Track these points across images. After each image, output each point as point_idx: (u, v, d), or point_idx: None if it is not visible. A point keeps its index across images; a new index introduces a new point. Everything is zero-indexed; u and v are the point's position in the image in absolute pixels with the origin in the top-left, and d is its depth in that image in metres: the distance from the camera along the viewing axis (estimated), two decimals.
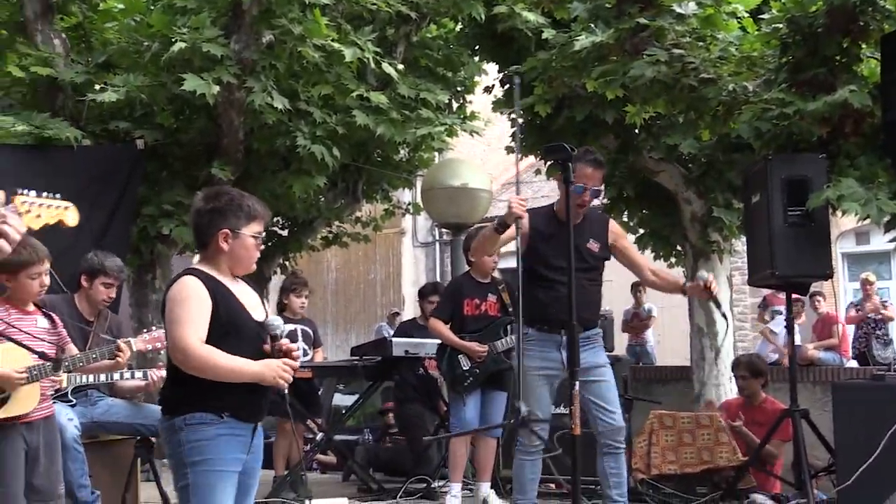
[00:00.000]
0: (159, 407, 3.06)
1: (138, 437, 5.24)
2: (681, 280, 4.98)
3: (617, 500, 4.59)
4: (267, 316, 3.14)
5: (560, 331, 4.47)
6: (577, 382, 3.43)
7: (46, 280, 4.09)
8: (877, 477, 4.66)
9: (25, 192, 2.51)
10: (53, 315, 4.22)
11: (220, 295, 2.96)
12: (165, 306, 2.96)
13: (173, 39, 6.41)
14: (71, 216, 2.68)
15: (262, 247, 3.15)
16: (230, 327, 2.95)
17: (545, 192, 17.99)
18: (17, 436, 3.91)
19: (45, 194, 2.57)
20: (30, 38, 7.24)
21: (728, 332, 7.69)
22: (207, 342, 2.89)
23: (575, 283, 4.26)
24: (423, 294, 7.11)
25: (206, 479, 2.88)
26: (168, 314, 2.93)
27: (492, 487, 5.87)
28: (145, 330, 4.80)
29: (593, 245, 4.78)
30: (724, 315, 4.90)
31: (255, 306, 3.11)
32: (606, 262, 4.95)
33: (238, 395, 2.92)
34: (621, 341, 10.63)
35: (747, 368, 6.36)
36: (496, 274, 6.10)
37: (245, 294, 3.09)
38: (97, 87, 6.90)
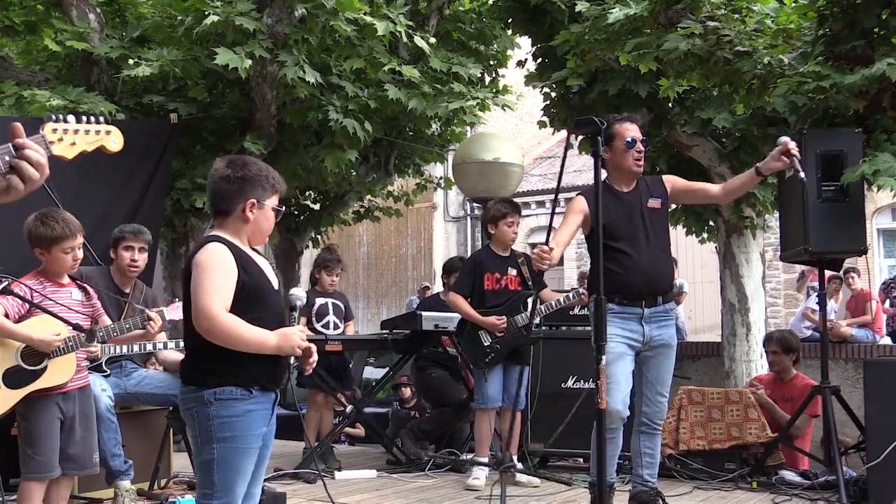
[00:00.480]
0: None
1: (171, 408, 5.29)
2: (751, 171, 4.51)
3: (648, 481, 4.52)
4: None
5: (641, 303, 4.38)
6: (603, 357, 3.39)
7: (80, 254, 4.12)
8: None
9: (59, 117, 2.22)
10: (87, 287, 4.27)
11: (245, 263, 2.94)
12: (191, 272, 2.92)
13: (206, 13, 6.43)
14: (114, 141, 2.35)
15: (278, 219, 3.16)
16: (255, 296, 2.94)
17: (577, 166, 17.90)
18: (53, 406, 3.98)
19: (84, 118, 2.27)
20: (65, 12, 7.29)
21: (760, 307, 7.64)
22: (232, 311, 2.87)
23: (647, 252, 4.36)
24: (447, 270, 7.09)
25: (233, 457, 2.88)
26: (194, 281, 2.89)
27: (519, 461, 5.87)
28: (177, 299, 4.84)
29: (654, 203, 4.57)
30: (802, 178, 4.41)
31: (273, 275, 3.12)
32: None
33: (264, 365, 2.92)
34: None
35: (779, 344, 6.30)
36: (516, 247, 6.07)
37: (263, 262, 3.09)
38: (131, 61, 6.94)
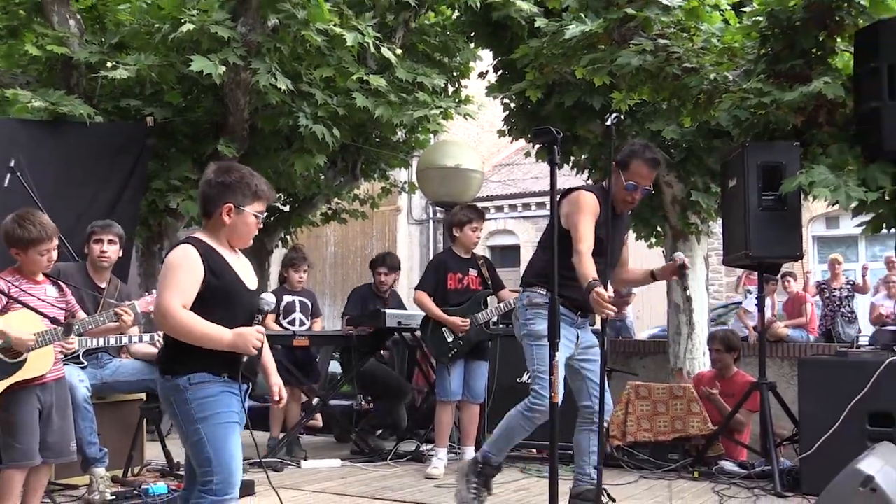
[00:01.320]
0: None
1: (144, 399, 5.25)
2: (648, 273, 4.70)
3: (593, 477, 4.35)
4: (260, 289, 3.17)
5: (579, 313, 4.34)
6: (556, 353, 3.42)
7: (54, 255, 4.10)
8: (837, 446, 4.71)
9: None
10: (61, 283, 4.24)
11: (214, 263, 2.97)
12: (162, 272, 3.00)
13: (182, 21, 6.38)
14: None
15: (262, 225, 3.16)
16: (223, 297, 2.97)
17: (534, 173, 18.00)
18: (33, 396, 3.95)
19: None
20: (46, 18, 7.19)
21: (703, 308, 7.74)
22: (201, 308, 2.91)
23: (607, 276, 4.17)
24: (373, 265, 7.10)
25: (218, 432, 2.90)
26: (160, 279, 2.97)
27: (476, 451, 5.90)
28: (147, 292, 4.83)
29: (625, 239, 4.65)
30: (685, 289, 4.82)
31: (250, 276, 3.13)
32: None
33: (233, 357, 2.94)
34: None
35: (722, 343, 6.40)
36: (477, 250, 6.14)
37: (241, 264, 3.11)
38: (110, 65, 6.87)
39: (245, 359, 2.99)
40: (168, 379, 2.97)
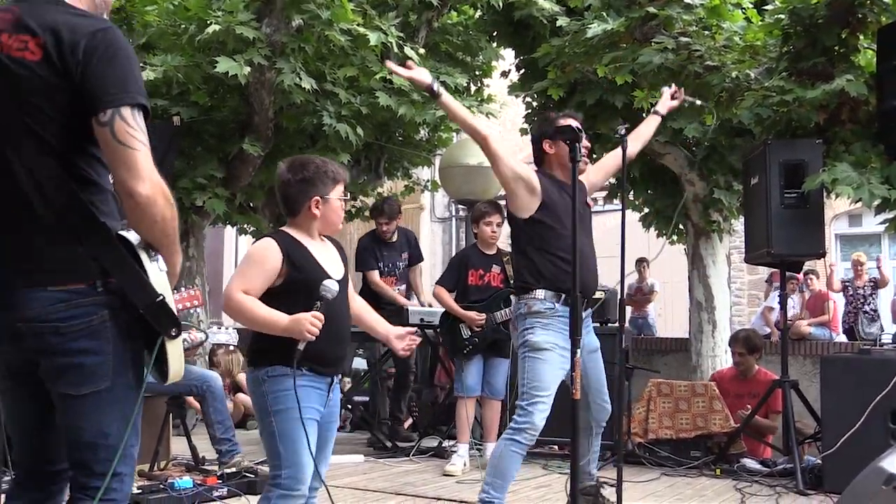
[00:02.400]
0: (198, 367, 3.03)
1: (171, 396, 5.29)
2: (652, 115, 4.58)
3: (593, 475, 4.28)
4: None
5: (583, 305, 3.86)
6: (578, 350, 3.37)
7: None
8: (859, 444, 4.67)
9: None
10: None
11: (297, 257, 3.00)
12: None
13: (209, 22, 6.41)
14: None
15: (346, 207, 3.17)
16: (304, 287, 2.95)
17: None
18: None
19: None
20: None
21: (725, 305, 7.69)
22: (286, 301, 2.93)
23: (587, 250, 3.97)
24: (373, 214, 7.17)
25: (292, 427, 2.89)
26: (239, 263, 3.06)
27: None
28: (175, 290, 4.84)
29: (589, 200, 4.35)
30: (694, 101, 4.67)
31: (337, 266, 3.11)
32: (609, 240, 4.70)
33: (315, 349, 2.91)
34: (626, 314, 10.65)
35: (744, 345, 6.32)
36: (501, 245, 6.14)
37: (328, 254, 3.11)
38: None
39: (335, 349, 3.00)
40: (251, 370, 3.01)
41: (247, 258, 3.03)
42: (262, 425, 2.97)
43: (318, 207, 3.05)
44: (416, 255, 7.05)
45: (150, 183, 2.10)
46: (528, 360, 3.91)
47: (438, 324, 6.13)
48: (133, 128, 2.10)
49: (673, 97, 4.61)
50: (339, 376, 3.11)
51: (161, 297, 2.12)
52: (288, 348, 2.89)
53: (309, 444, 2.91)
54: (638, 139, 4.51)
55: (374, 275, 6.80)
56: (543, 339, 3.86)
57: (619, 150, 4.28)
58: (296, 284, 2.97)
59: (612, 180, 8.35)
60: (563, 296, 3.90)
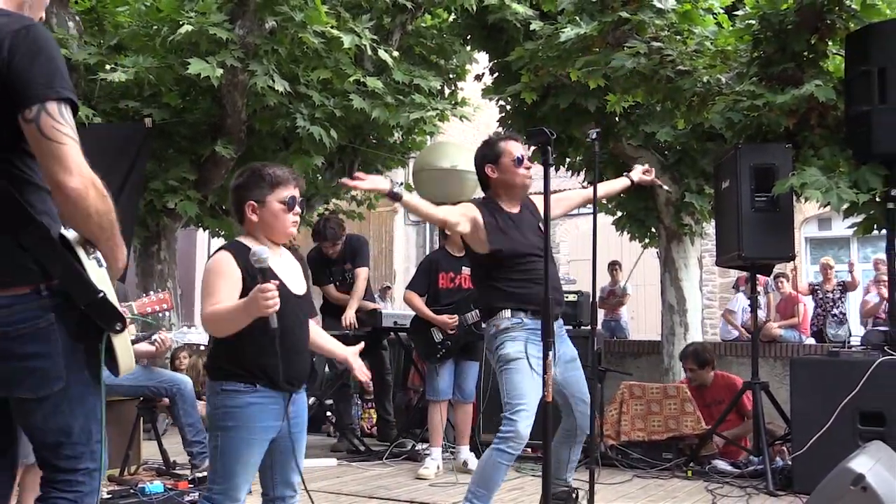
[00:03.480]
0: (168, 370, 2.97)
1: (141, 398, 5.24)
2: (624, 178, 4.65)
3: (568, 481, 4.25)
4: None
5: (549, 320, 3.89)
6: (550, 352, 3.35)
7: None
8: (829, 445, 4.71)
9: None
10: None
11: (251, 265, 2.84)
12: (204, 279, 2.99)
13: (181, 23, 6.37)
14: None
15: (298, 210, 3.01)
16: None
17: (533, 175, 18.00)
18: None
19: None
20: (45, 20, 7.16)
21: (697, 308, 7.74)
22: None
23: (551, 270, 3.78)
24: (315, 238, 6.82)
25: (234, 446, 2.84)
26: (202, 287, 2.93)
27: (471, 451, 5.90)
28: (144, 294, 4.82)
29: (541, 227, 4.18)
30: (668, 191, 4.70)
31: (295, 278, 3.03)
32: (582, 244, 4.76)
33: (271, 363, 2.85)
34: (598, 317, 10.69)
35: (694, 361, 6.30)
36: None
37: (284, 265, 3.01)
38: (108, 67, 6.85)
39: (292, 363, 2.91)
40: (209, 380, 2.97)
41: (207, 277, 2.90)
42: (210, 436, 2.93)
43: (254, 213, 2.95)
44: (358, 261, 6.85)
45: (79, 177, 2.07)
46: (504, 372, 3.92)
47: (410, 328, 6.12)
48: (60, 122, 2.07)
49: (644, 173, 4.67)
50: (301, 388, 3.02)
51: (102, 294, 2.11)
52: (243, 362, 2.84)
53: (265, 461, 2.89)
54: (602, 189, 4.59)
55: (330, 288, 6.77)
56: (513, 350, 3.87)
57: (583, 191, 4.47)
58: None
59: (585, 183, 8.39)
60: (529, 311, 3.91)
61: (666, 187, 4.86)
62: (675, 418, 5.88)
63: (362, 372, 3.29)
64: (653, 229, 8.15)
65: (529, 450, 6.33)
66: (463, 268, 5.94)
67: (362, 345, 3.30)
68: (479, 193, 4.31)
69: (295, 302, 2.97)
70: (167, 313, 6.95)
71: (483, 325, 4.20)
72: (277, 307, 2.68)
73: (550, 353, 3.45)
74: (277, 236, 3.01)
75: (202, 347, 8.43)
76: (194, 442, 5.20)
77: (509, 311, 3.94)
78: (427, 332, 5.83)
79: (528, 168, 4.12)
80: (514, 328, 3.92)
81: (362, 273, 6.68)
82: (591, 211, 4.21)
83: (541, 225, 4.06)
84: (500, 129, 8.34)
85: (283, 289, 2.92)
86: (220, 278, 2.87)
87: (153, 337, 4.97)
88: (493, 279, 3.99)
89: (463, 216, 3.96)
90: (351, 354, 3.25)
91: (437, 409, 5.86)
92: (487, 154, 4.11)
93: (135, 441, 5.32)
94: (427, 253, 16.96)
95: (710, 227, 8.00)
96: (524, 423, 3.78)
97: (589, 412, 4.14)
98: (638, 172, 4.66)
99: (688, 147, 7.23)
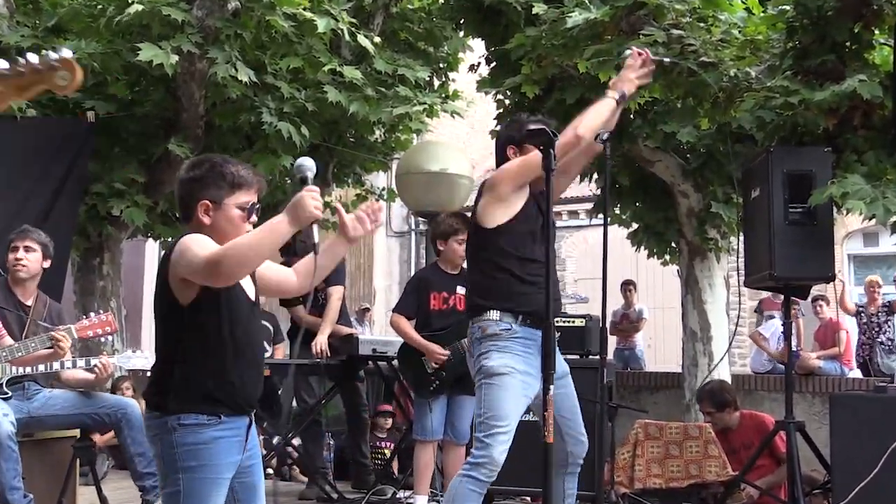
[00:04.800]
0: (110, 394, 2.94)
1: (78, 437, 5.21)
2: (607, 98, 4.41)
3: None
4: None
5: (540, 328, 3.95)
6: (551, 387, 3.34)
7: None
8: (875, 495, 4.71)
9: None
10: None
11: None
12: (169, 270, 2.85)
13: (130, 2, 6.38)
14: (62, 77, 1.98)
15: (255, 218, 3.02)
16: (217, 301, 2.87)
17: None
18: None
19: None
20: None
21: (723, 335, 7.75)
22: (194, 318, 2.84)
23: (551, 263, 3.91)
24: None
25: (200, 487, 2.83)
26: (180, 260, 2.81)
27: None
28: (84, 316, 4.81)
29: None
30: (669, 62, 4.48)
31: (247, 284, 3.04)
32: (592, 259, 4.76)
33: (230, 386, 2.87)
34: (610, 344, 10.69)
35: (711, 403, 6.31)
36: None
37: None
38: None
39: (253, 380, 2.93)
40: (156, 415, 2.89)
41: (190, 244, 2.80)
42: (166, 481, 2.88)
43: (207, 214, 2.93)
44: (331, 278, 6.83)
45: None
46: (485, 386, 3.97)
47: (398, 357, 6.10)
48: None
49: (643, 63, 4.40)
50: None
51: None
52: (202, 388, 2.83)
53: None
54: (587, 122, 4.34)
55: (299, 310, 6.74)
56: (500, 363, 3.91)
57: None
58: (212, 304, 2.86)
59: (597, 191, 8.43)
60: (521, 316, 3.98)
61: (667, 59, 4.63)
62: (697, 463, 5.88)
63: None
64: (673, 244, 8.18)
65: (528, 498, 6.34)
66: (458, 287, 5.92)
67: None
68: (472, 201, 4.35)
69: (251, 308, 2.99)
70: (110, 337, 6.94)
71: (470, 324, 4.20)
72: (321, 214, 2.79)
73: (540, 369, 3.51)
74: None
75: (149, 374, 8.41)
76: (146, 474, 5.14)
77: (498, 312, 4.00)
78: (418, 360, 5.82)
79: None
80: (502, 336, 3.97)
81: (336, 292, 6.67)
82: (602, 223, 4.23)
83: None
84: (498, 128, 8.38)
85: (241, 292, 2.95)
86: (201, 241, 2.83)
87: (92, 363, 4.95)
88: (489, 266, 4.05)
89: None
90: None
91: (427, 450, 5.84)
92: (514, 136, 4.19)
93: (69, 486, 5.29)
94: (412, 269, 16.98)
95: (738, 242, 8.03)
96: (500, 447, 3.85)
97: (583, 437, 4.18)
98: (623, 76, 4.44)
99: (713, 150, 7.26)
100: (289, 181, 9.04)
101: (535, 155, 3.83)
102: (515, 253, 4.04)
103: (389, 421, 8.21)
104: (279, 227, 2.76)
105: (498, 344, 3.97)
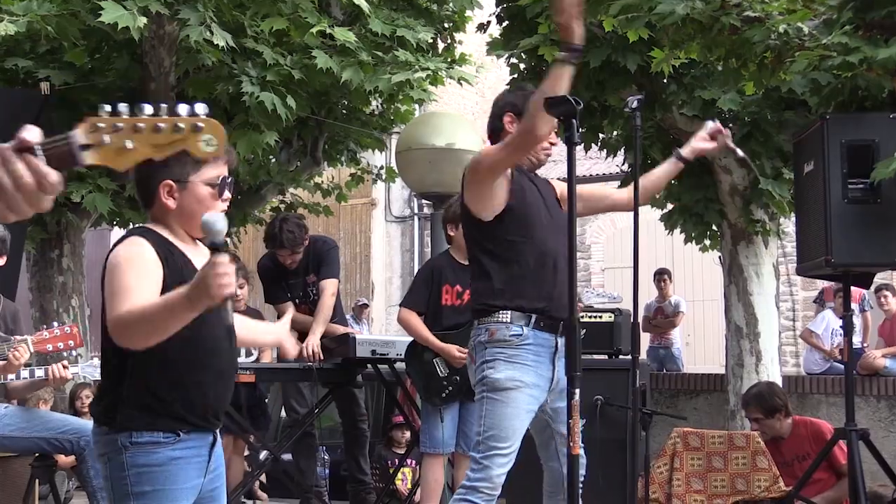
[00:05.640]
0: (72, 417, 2.93)
1: (36, 455, 5.22)
2: (672, 159, 4.60)
3: None
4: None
5: (558, 329, 4.02)
6: (576, 391, 3.33)
7: None
8: None
9: (113, 108, 1.90)
10: None
11: (173, 263, 2.86)
12: (104, 278, 2.82)
13: None
14: (206, 141, 1.92)
15: (228, 195, 3.00)
16: None
17: (552, 155, 18.04)
18: None
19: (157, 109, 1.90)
20: None
21: (773, 331, 7.73)
22: None
23: (562, 263, 4.00)
24: (269, 245, 6.84)
25: None
26: (107, 286, 2.79)
27: None
28: (45, 327, 4.80)
29: (556, 208, 4.36)
30: (742, 156, 4.61)
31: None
32: (616, 246, 4.82)
33: (194, 398, 2.86)
34: (643, 342, 10.69)
35: (759, 407, 6.28)
36: None
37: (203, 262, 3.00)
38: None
39: (220, 391, 2.93)
40: (104, 431, 2.86)
41: (116, 271, 2.77)
42: None
43: (171, 196, 2.90)
44: (324, 271, 6.84)
45: None
46: (488, 401, 4.00)
47: (405, 358, 6.10)
48: None
49: (713, 137, 4.50)
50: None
51: None
52: (160, 401, 2.81)
53: None
54: (645, 184, 4.57)
55: (288, 307, 6.74)
56: (508, 377, 3.95)
57: (610, 191, 4.56)
58: None
59: (625, 167, 8.41)
60: (534, 318, 4.01)
61: (740, 152, 4.65)
62: (744, 476, 5.88)
63: (294, 346, 3.29)
64: (714, 227, 8.16)
65: None
66: None
67: (290, 314, 3.22)
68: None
69: (220, 311, 2.97)
70: (74, 352, 6.96)
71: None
72: (233, 290, 2.54)
73: (553, 376, 3.74)
74: (198, 229, 2.91)
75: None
76: None
77: (509, 313, 4.02)
78: (429, 362, 5.81)
79: (553, 145, 4.23)
80: (512, 343, 4.00)
81: (330, 287, 6.68)
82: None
83: (550, 205, 4.22)
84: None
85: None
86: (135, 271, 2.78)
87: (37, 373, 4.89)
88: (491, 261, 4.10)
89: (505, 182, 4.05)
90: (284, 333, 3.25)
91: (437, 464, 5.85)
92: (516, 104, 4.21)
93: None
94: (416, 259, 17.00)
95: (790, 224, 8.00)
96: (499, 470, 3.92)
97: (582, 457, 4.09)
98: (695, 141, 4.55)
99: (759, 118, 7.24)
100: (273, 160, 9.05)
101: (521, 135, 3.90)
102: (521, 241, 4.08)
103: (407, 434, 8.03)
104: (177, 307, 2.57)
105: (507, 352, 3.99)
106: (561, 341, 3.98)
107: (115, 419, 2.84)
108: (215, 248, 2.53)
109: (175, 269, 2.85)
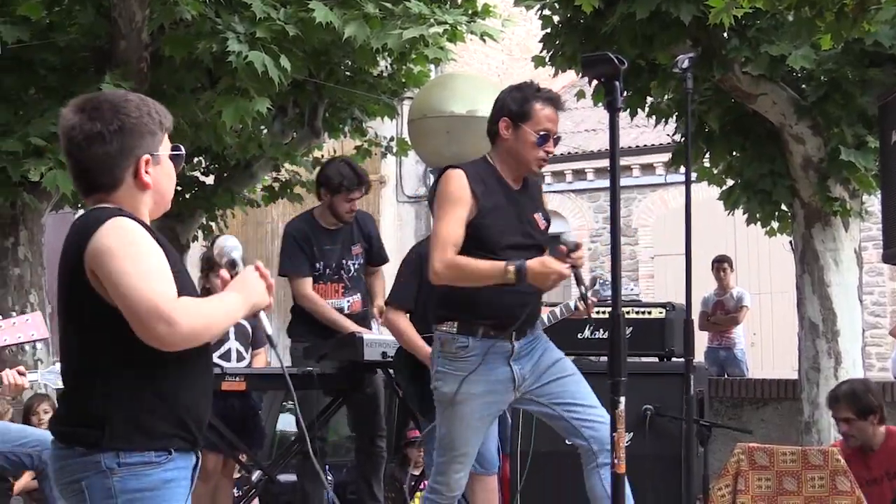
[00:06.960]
0: (32, 428, 2.91)
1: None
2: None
3: None
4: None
5: (512, 336, 4.50)
6: (621, 399, 3.37)
7: None
8: None
9: None
10: None
11: (166, 249, 2.87)
12: (87, 257, 2.78)
13: None
14: None
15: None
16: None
17: (590, 123, 18.01)
18: None
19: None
20: None
21: (856, 328, 7.71)
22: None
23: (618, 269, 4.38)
24: (335, 189, 6.77)
25: None
26: (108, 273, 2.74)
27: None
28: (1, 316, 4.83)
29: (541, 220, 4.77)
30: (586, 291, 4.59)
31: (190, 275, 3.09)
32: (667, 229, 5.01)
33: (184, 407, 2.87)
34: (700, 342, 10.66)
35: (851, 406, 6.24)
36: None
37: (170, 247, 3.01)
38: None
39: (202, 408, 2.98)
40: (80, 452, 2.82)
41: (130, 247, 2.76)
42: None
43: (148, 171, 2.90)
44: (376, 252, 6.95)
45: None
46: (439, 409, 4.62)
47: (393, 365, 6.12)
48: None
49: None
50: None
51: None
52: (148, 414, 2.82)
53: None
54: None
55: (306, 284, 6.68)
56: (453, 390, 4.44)
57: None
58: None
59: (677, 137, 8.39)
60: (481, 329, 4.47)
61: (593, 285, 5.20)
62: (821, 500, 5.88)
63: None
64: (784, 206, 8.14)
65: None
66: None
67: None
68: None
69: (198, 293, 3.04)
70: (38, 345, 6.99)
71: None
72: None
73: (514, 374, 4.43)
74: (164, 205, 3.03)
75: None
76: None
77: (455, 324, 4.47)
78: (421, 370, 5.81)
79: (549, 153, 4.58)
80: (458, 355, 4.46)
81: (381, 276, 7.01)
82: (684, 180, 4.23)
83: (539, 217, 4.68)
84: (545, 55, 8.36)
85: (189, 281, 2.98)
86: (154, 252, 2.80)
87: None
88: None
89: (466, 209, 4.45)
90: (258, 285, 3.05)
91: (484, 485, 5.89)
92: (512, 107, 4.54)
93: None
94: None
95: (875, 203, 7.97)
96: (456, 475, 4.61)
97: (600, 418, 4.40)
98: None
99: (839, 77, 7.21)
100: (265, 130, 9.07)
101: (459, 279, 4.39)
102: (489, 245, 4.47)
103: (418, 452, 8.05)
104: (236, 308, 2.90)
105: (454, 365, 4.47)
106: (518, 344, 4.51)
107: (96, 438, 2.80)
108: (234, 265, 2.94)
109: (172, 257, 2.88)
